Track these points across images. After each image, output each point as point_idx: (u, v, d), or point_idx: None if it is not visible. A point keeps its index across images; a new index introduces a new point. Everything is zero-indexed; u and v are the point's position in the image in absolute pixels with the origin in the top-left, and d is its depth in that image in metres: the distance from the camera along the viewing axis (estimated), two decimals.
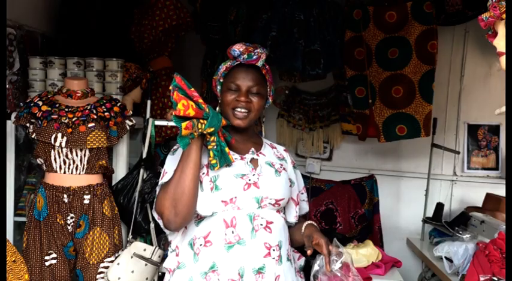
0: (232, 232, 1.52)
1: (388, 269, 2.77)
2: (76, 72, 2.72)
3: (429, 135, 3.22)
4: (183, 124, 1.42)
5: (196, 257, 1.54)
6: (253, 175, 1.58)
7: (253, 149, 1.66)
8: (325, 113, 3.83)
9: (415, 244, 3.33)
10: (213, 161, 1.52)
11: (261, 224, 1.55)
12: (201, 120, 1.46)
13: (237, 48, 1.58)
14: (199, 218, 1.57)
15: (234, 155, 1.60)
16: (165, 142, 3.37)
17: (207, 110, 1.47)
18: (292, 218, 1.71)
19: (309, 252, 1.54)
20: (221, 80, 1.66)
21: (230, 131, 1.63)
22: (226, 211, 1.53)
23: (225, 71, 1.64)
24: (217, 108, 1.67)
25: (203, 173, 1.55)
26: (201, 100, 1.46)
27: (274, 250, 1.55)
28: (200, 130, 1.46)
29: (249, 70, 1.61)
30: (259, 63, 1.63)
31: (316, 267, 1.53)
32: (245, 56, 1.58)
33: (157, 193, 1.62)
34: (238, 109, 1.59)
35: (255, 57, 1.59)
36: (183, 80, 1.45)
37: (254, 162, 1.63)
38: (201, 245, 1.54)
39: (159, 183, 1.61)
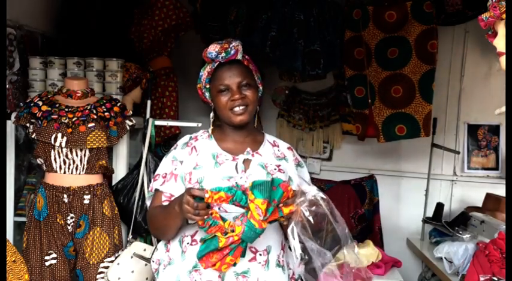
0: None
1: (388, 269, 2.77)
2: (76, 72, 2.72)
3: (429, 135, 3.22)
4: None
5: (183, 255, 1.54)
6: (241, 177, 1.53)
7: (249, 149, 1.61)
8: (325, 113, 3.83)
9: (415, 244, 3.33)
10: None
11: None
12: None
13: (213, 50, 1.55)
14: None
15: (225, 156, 1.58)
16: (165, 142, 3.37)
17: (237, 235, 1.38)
18: None
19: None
20: (207, 86, 1.63)
21: (229, 130, 1.63)
22: None
23: (208, 76, 1.61)
24: (211, 114, 1.65)
25: (187, 174, 1.56)
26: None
27: (260, 255, 1.52)
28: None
29: (231, 66, 1.58)
30: (239, 56, 1.59)
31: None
32: (223, 54, 1.55)
33: (151, 195, 1.65)
34: (236, 108, 1.57)
35: (233, 52, 1.56)
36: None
37: (247, 163, 1.59)
38: (188, 243, 1.54)
39: (152, 185, 1.65)
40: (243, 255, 1.44)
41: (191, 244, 1.53)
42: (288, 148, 1.73)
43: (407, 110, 3.12)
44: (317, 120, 3.83)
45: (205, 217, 1.36)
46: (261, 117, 1.74)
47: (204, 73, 1.62)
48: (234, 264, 1.46)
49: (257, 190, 1.35)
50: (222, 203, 1.37)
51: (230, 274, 1.48)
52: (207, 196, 1.34)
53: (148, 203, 1.69)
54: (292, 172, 1.66)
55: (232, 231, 1.37)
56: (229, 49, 1.55)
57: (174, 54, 3.53)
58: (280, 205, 1.38)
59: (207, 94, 1.65)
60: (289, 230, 1.40)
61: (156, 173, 1.65)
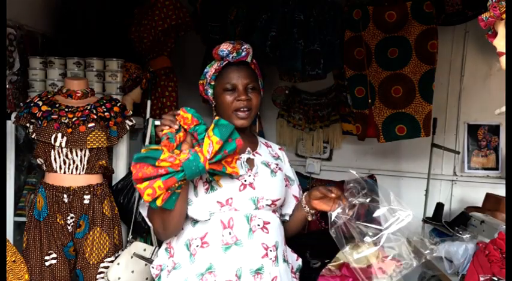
0: (230, 233, 1.51)
1: (388, 271, 2.76)
2: (76, 72, 2.72)
3: (429, 135, 3.22)
4: (158, 201, 1.36)
5: (192, 258, 1.53)
6: (249, 175, 1.57)
7: (249, 148, 1.64)
8: (325, 113, 3.83)
9: (415, 244, 3.33)
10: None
11: (258, 225, 1.54)
12: (178, 184, 1.37)
13: (225, 48, 1.56)
14: (196, 219, 1.56)
15: None
16: None
17: (179, 166, 1.35)
18: (290, 210, 1.71)
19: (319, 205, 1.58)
20: (212, 83, 1.62)
21: None
22: (223, 212, 1.52)
23: (214, 74, 1.61)
24: (214, 113, 1.64)
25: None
26: (165, 164, 1.35)
27: (271, 251, 1.54)
28: (182, 183, 1.39)
29: (240, 68, 1.59)
30: (249, 59, 1.61)
31: (335, 213, 1.51)
32: (234, 54, 1.56)
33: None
34: (241, 110, 1.57)
35: (244, 54, 1.58)
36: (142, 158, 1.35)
37: (250, 162, 1.61)
38: (197, 246, 1.53)
39: None
40: (170, 205, 1.40)
41: (202, 247, 1.53)
42: (280, 149, 1.79)
43: (408, 110, 3.12)
44: (317, 120, 3.83)
45: (169, 129, 1.39)
46: (261, 118, 1.76)
47: (211, 70, 1.62)
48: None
49: (218, 129, 1.36)
50: (185, 125, 1.40)
51: (246, 271, 1.49)
52: (178, 112, 1.41)
53: (144, 211, 1.63)
54: (288, 170, 1.74)
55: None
56: (241, 50, 1.57)
57: (174, 54, 3.53)
58: (227, 159, 1.41)
59: (209, 91, 1.64)
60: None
61: None
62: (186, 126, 1.40)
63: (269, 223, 1.57)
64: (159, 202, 1.37)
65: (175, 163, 1.35)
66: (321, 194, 1.56)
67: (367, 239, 1.51)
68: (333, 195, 1.53)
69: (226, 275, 1.49)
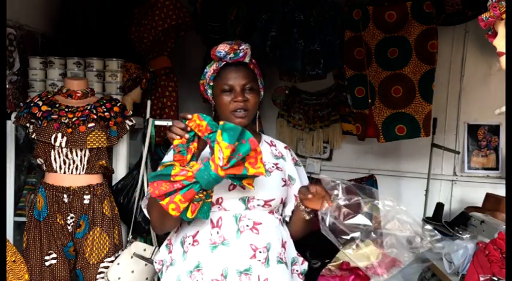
0: (218, 233, 1.52)
1: (388, 269, 2.77)
2: (76, 72, 2.72)
3: (429, 135, 3.22)
4: (188, 214, 1.36)
5: (184, 255, 1.55)
6: None
7: None
8: (325, 113, 3.83)
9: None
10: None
11: (247, 226, 1.53)
12: (200, 194, 1.36)
13: (222, 49, 1.55)
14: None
15: None
16: (165, 142, 3.37)
17: (192, 178, 1.33)
18: (290, 212, 1.69)
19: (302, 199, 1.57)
20: (211, 84, 1.63)
21: None
22: (213, 211, 1.52)
23: (213, 74, 1.61)
24: (213, 113, 1.64)
25: None
26: (178, 184, 1.33)
27: (260, 252, 1.52)
28: (206, 194, 1.38)
29: (238, 68, 1.59)
30: (247, 59, 1.60)
31: (323, 216, 1.52)
32: (231, 55, 1.56)
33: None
34: (238, 111, 1.57)
35: (241, 54, 1.57)
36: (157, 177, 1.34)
37: None
38: (189, 244, 1.55)
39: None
40: (204, 215, 1.40)
41: (193, 245, 1.54)
42: (285, 148, 1.76)
43: (407, 110, 3.12)
44: (317, 120, 3.83)
45: (180, 140, 1.36)
46: (261, 118, 1.75)
47: (210, 70, 1.62)
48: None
49: (226, 133, 1.32)
50: (200, 132, 1.36)
51: (233, 272, 1.49)
52: (189, 116, 1.36)
53: (144, 203, 1.66)
54: (291, 170, 1.71)
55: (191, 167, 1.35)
56: (238, 51, 1.56)
57: (174, 54, 3.53)
58: (250, 160, 1.35)
59: (209, 91, 1.64)
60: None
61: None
62: (200, 134, 1.37)
63: (260, 223, 1.55)
64: (189, 215, 1.36)
65: (189, 175, 1.33)
66: (302, 194, 1.55)
67: (356, 236, 1.52)
68: (310, 196, 1.52)
69: (212, 274, 1.49)
